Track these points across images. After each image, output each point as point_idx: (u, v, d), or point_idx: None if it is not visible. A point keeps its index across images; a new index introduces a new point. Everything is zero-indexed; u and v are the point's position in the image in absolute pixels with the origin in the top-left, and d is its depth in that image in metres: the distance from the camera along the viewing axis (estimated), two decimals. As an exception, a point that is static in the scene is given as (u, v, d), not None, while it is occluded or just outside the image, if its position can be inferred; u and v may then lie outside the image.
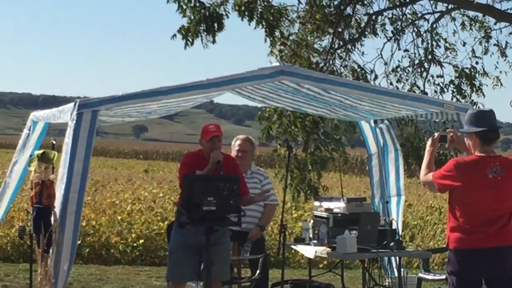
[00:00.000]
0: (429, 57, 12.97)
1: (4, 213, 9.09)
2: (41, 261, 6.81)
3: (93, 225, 13.13)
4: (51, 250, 6.69)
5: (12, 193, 8.84)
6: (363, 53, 12.69)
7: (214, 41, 11.77)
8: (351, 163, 41.05)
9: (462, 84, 12.85)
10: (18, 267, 11.25)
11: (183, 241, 6.77)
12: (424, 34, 13.13)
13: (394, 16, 13.09)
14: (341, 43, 12.65)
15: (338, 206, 8.22)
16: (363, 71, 12.52)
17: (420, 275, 9.20)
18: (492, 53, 13.22)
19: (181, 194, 6.86)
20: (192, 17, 11.76)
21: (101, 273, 11.24)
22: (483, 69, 13.04)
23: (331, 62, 12.41)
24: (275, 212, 8.68)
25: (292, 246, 8.28)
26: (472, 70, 12.96)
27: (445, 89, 12.87)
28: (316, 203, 8.66)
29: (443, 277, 8.61)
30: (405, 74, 12.90)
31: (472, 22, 13.30)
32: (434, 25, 13.13)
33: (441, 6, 13.16)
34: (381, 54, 12.79)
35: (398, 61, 13.01)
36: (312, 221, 8.40)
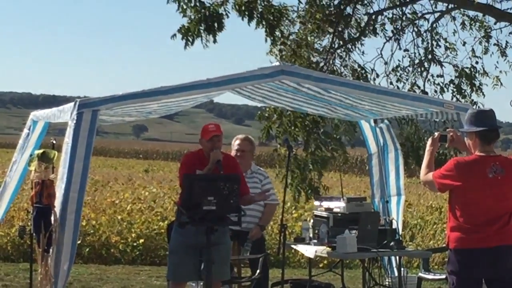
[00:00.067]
0: (429, 56, 12.97)
1: (4, 212, 9.10)
2: (41, 260, 6.81)
3: (93, 224, 13.13)
4: (51, 250, 6.69)
5: (12, 192, 8.84)
6: (363, 52, 12.70)
7: (215, 41, 11.77)
8: (351, 163, 41.04)
9: (462, 83, 12.84)
10: (18, 266, 11.25)
11: (183, 240, 6.77)
12: (424, 34, 13.12)
13: (394, 16, 13.09)
14: (341, 42, 12.65)
15: (338, 205, 8.22)
16: (363, 71, 12.52)
17: (420, 274, 9.21)
18: (492, 52, 13.22)
19: (181, 193, 6.86)
20: (192, 17, 11.75)
21: (101, 273, 11.25)
22: (483, 68, 13.04)
23: (331, 62, 12.41)
24: (275, 212, 8.68)
25: (292, 246, 8.28)
26: (472, 69, 12.95)
27: (445, 89, 12.87)
28: (316, 203, 8.66)
29: (443, 276, 8.62)
30: (405, 73, 12.90)
31: (472, 21, 13.29)
32: (434, 25, 13.13)
33: (441, 6, 13.16)
34: (381, 53, 12.79)
35: (399, 60, 13.02)
36: (312, 220, 8.39)
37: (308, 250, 7.86)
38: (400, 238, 8.29)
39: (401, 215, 9.47)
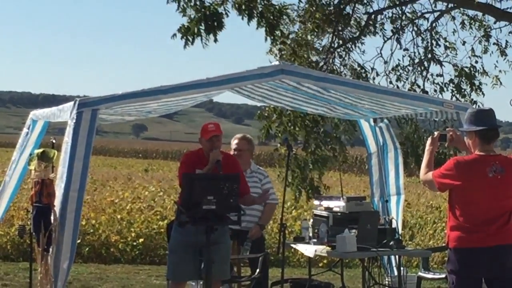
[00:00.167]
0: (429, 56, 12.97)
1: (4, 212, 9.10)
2: (41, 260, 6.81)
3: (92, 224, 13.13)
4: (51, 249, 6.69)
5: (12, 192, 8.84)
6: (364, 51, 12.69)
7: (216, 40, 11.76)
8: (351, 162, 41.03)
9: (461, 83, 12.84)
10: (18, 266, 11.26)
11: (183, 240, 6.77)
12: (424, 33, 13.12)
13: (393, 15, 13.08)
14: (340, 42, 12.65)
15: (337, 205, 8.22)
16: (363, 70, 12.51)
17: (420, 274, 9.21)
18: (492, 52, 13.21)
19: (181, 193, 6.86)
20: (192, 16, 11.75)
21: (100, 272, 11.25)
22: (483, 68, 13.03)
23: (331, 61, 12.41)
24: (275, 211, 8.68)
25: (292, 245, 8.28)
26: (471, 69, 12.95)
27: (445, 88, 12.86)
28: (316, 202, 8.66)
29: (443, 276, 8.62)
30: (405, 73, 12.89)
31: (472, 21, 13.29)
32: (434, 24, 13.12)
33: (440, 5, 13.16)
34: (380, 53, 12.79)
35: (398, 60, 13.01)
36: (311, 220, 8.40)
37: (308, 250, 7.86)
38: (400, 238, 8.29)
39: (401, 215, 9.47)
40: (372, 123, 9.49)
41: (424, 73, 12.91)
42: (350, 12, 12.70)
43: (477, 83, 12.85)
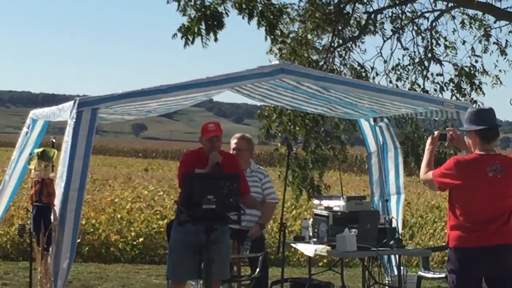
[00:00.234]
0: (429, 55, 12.96)
1: (4, 211, 9.10)
2: (41, 259, 6.81)
3: (92, 223, 13.13)
4: (50, 248, 6.69)
5: (12, 191, 8.84)
6: (365, 50, 12.69)
7: (216, 39, 11.76)
8: (351, 162, 41.04)
9: (461, 82, 12.83)
10: (18, 265, 11.26)
11: (182, 239, 6.77)
12: (424, 32, 13.12)
13: (393, 15, 13.08)
14: (340, 41, 12.64)
15: (337, 204, 8.21)
16: (363, 69, 12.51)
17: (420, 273, 9.21)
18: (492, 51, 13.20)
19: (180, 192, 6.85)
20: (193, 16, 11.74)
21: (100, 271, 11.25)
22: (483, 67, 13.02)
23: (330, 61, 12.41)
24: (275, 210, 8.68)
25: (292, 245, 8.28)
26: (471, 68, 12.94)
27: (445, 88, 12.86)
28: (316, 201, 8.66)
29: (443, 275, 8.62)
30: (405, 72, 12.89)
31: (472, 20, 13.28)
32: (434, 24, 13.12)
33: (440, 4, 13.15)
34: (380, 52, 12.79)
35: (398, 59, 13.01)
36: (311, 219, 8.40)
37: (308, 249, 7.86)
38: (400, 237, 8.29)
39: (401, 214, 9.47)
40: (372, 123, 9.48)
41: (424, 72, 12.91)
42: (350, 12, 12.70)
43: (477, 82, 12.85)
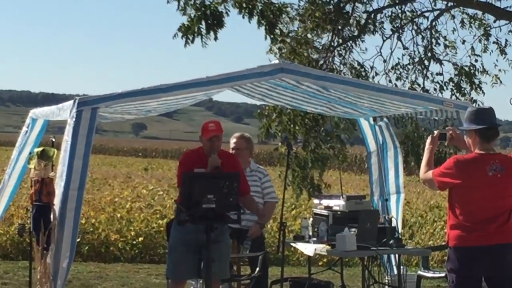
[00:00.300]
0: (429, 54, 12.96)
1: (4, 210, 9.09)
2: (40, 258, 6.80)
3: (92, 222, 13.14)
4: (50, 248, 6.68)
5: (12, 190, 8.83)
6: (366, 49, 12.69)
7: (216, 38, 11.75)
8: (350, 161, 41.04)
9: (461, 82, 12.83)
10: (17, 264, 11.26)
11: (182, 238, 6.77)
12: (424, 32, 13.11)
13: (393, 14, 13.08)
14: (340, 41, 12.64)
15: (337, 203, 8.21)
16: (362, 69, 12.51)
17: (420, 272, 9.21)
18: (492, 51, 13.20)
19: (180, 192, 6.84)
20: (192, 16, 11.73)
21: (100, 271, 11.24)
22: (483, 66, 13.02)
23: (330, 60, 12.41)
24: (274, 210, 8.68)
25: (292, 244, 8.28)
26: (471, 68, 12.94)
27: (445, 87, 12.86)
28: (316, 201, 8.66)
29: (443, 274, 8.62)
30: (405, 72, 12.89)
31: (472, 20, 13.27)
32: (434, 23, 13.12)
33: (440, 4, 13.15)
34: (380, 52, 12.79)
35: (398, 58, 13.01)
36: (311, 218, 8.39)
37: (308, 248, 7.86)
38: (400, 236, 8.29)
39: (401, 213, 9.47)
40: (372, 122, 9.48)
41: (424, 71, 12.91)
42: (350, 11, 12.69)
43: (477, 82, 12.85)
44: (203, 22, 11.65)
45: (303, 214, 14.62)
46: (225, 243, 6.91)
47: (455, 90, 12.77)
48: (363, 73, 12.45)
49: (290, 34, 12.39)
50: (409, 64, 12.94)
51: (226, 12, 11.76)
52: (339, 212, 8.13)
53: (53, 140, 7.56)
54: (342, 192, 8.69)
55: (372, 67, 12.61)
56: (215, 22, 11.66)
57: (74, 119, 6.65)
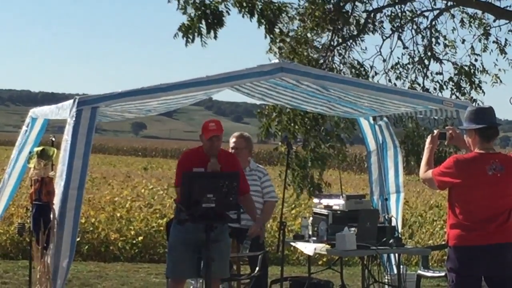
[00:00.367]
0: (429, 54, 12.96)
1: (3, 210, 9.08)
2: (40, 258, 6.80)
3: (92, 222, 13.13)
4: (50, 247, 6.68)
5: (11, 190, 8.82)
6: (366, 48, 12.69)
7: (215, 37, 11.75)
8: (350, 160, 41.03)
9: (461, 81, 12.84)
10: (17, 264, 11.25)
11: (182, 238, 6.77)
12: (424, 31, 13.11)
13: (393, 14, 13.08)
14: (340, 40, 12.64)
15: (337, 203, 8.21)
16: (362, 68, 12.51)
17: (419, 272, 9.20)
18: (492, 50, 13.21)
19: (179, 191, 6.84)
20: (192, 15, 11.73)
21: (100, 270, 11.24)
22: (483, 66, 13.03)
23: (330, 59, 12.41)
24: (274, 209, 8.67)
25: (292, 243, 8.28)
26: (471, 67, 12.95)
27: (445, 86, 12.87)
28: (316, 200, 8.65)
29: (442, 274, 8.62)
30: (405, 71, 12.89)
31: (472, 19, 13.28)
32: (434, 22, 13.12)
33: (440, 3, 13.16)
34: (380, 51, 12.79)
35: (398, 58, 13.01)
36: (311, 218, 8.39)
37: (307, 248, 7.85)
38: (399, 236, 8.29)
39: (400, 213, 9.47)
40: (372, 121, 9.48)
41: (424, 71, 12.91)
42: (350, 10, 12.69)
43: (476, 81, 12.86)
44: (203, 22, 11.64)
45: (303, 214, 14.61)
46: (225, 243, 6.91)
47: (455, 90, 12.78)
48: (363, 73, 12.46)
49: (290, 34, 12.39)
50: (409, 63, 12.96)
51: (227, 11, 11.76)
52: (339, 212, 8.13)
53: (53, 139, 7.55)
54: (342, 192, 8.68)
55: (372, 67, 12.62)
56: (215, 21, 11.66)
57: (74, 119, 6.65)
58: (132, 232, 12.96)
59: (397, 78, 12.86)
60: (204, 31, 11.65)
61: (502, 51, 13.20)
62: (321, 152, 11.97)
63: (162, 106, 8.00)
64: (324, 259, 12.21)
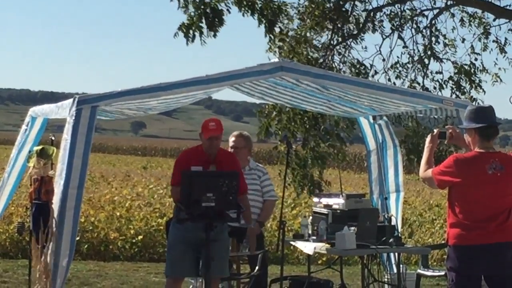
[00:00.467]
0: (429, 53, 12.96)
1: (3, 209, 9.08)
2: (40, 257, 6.79)
3: (92, 221, 13.13)
4: (50, 246, 6.67)
5: (11, 189, 8.81)
6: (365, 47, 12.69)
7: (215, 35, 11.74)
8: (350, 160, 41.04)
9: (461, 80, 12.85)
10: (17, 263, 11.25)
11: (181, 236, 6.76)
12: (424, 30, 13.11)
13: (392, 13, 13.08)
14: (340, 39, 12.64)
15: (337, 202, 8.20)
16: (362, 67, 12.51)
17: (419, 271, 9.20)
18: (491, 49, 13.22)
19: (180, 191, 6.82)
20: (193, 14, 11.72)
21: (99, 269, 11.24)
22: (482, 65, 13.03)
23: (330, 58, 12.41)
24: (274, 208, 8.67)
25: (291, 242, 8.27)
26: (471, 66, 12.95)
27: (444, 85, 12.87)
28: (315, 199, 8.65)
29: (442, 273, 8.62)
30: (405, 70, 12.89)
31: (471, 18, 13.29)
32: (433, 21, 13.12)
33: (440, 2, 13.16)
34: (379, 50, 12.79)
35: (398, 57, 13.01)
36: (311, 217, 8.38)
37: (307, 247, 7.85)
38: (399, 235, 8.28)
39: (400, 212, 9.46)
40: (372, 121, 9.47)
41: (424, 70, 12.91)
42: (349, 9, 12.69)
43: (476, 80, 12.86)
44: (203, 20, 11.63)
45: (303, 213, 14.61)
46: (225, 242, 6.90)
47: (455, 89, 12.79)
48: (363, 72, 12.46)
49: (290, 33, 12.39)
50: (408, 62, 12.96)
51: (228, 9, 11.75)
52: (338, 211, 8.12)
53: (53, 138, 7.55)
54: (342, 191, 8.68)
55: (371, 66, 12.63)
56: (215, 19, 11.65)
57: (73, 118, 6.64)
58: (132, 231, 12.96)
59: (397, 77, 12.87)
60: (204, 30, 11.65)
61: (502, 50, 13.21)
62: (321, 151, 11.97)
63: (161, 105, 7.99)
64: (324, 258, 12.21)
